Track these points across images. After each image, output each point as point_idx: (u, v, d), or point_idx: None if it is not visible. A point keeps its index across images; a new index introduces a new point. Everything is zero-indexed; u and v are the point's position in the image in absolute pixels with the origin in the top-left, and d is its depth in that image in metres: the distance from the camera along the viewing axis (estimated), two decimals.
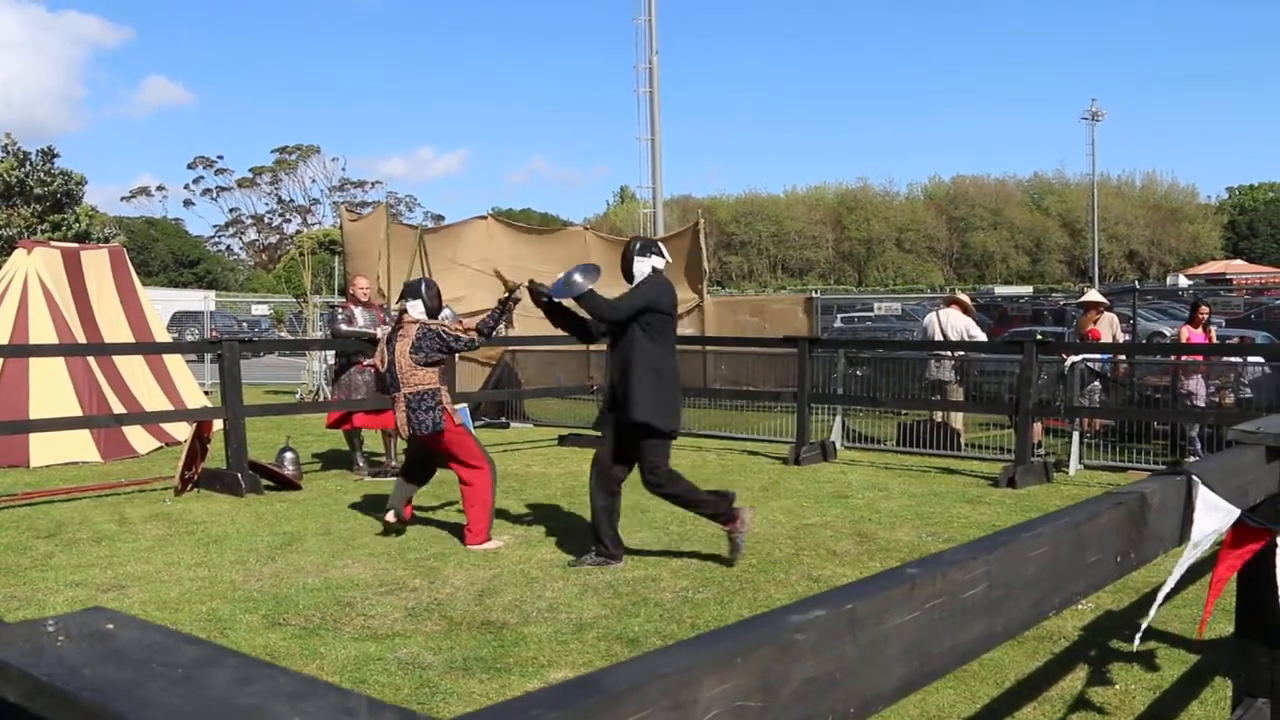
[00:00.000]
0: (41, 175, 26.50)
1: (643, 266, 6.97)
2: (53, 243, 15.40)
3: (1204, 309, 12.70)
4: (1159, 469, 10.19)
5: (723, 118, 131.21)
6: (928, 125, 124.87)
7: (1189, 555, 2.37)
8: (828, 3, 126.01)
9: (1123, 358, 12.21)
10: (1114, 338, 12.65)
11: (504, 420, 15.12)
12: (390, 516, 7.82)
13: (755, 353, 14.19)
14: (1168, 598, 2.67)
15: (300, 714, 0.81)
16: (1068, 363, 11.41)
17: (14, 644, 1.00)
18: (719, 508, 6.93)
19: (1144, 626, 2.56)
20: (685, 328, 15.96)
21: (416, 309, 7.74)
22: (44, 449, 11.24)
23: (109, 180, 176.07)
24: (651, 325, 6.85)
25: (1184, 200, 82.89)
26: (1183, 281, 37.81)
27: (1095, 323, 12.49)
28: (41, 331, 11.79)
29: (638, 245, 7.13)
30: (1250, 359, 12.04)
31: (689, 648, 1.06)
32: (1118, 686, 4.68)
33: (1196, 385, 11.51)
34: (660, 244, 7.24)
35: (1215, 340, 13.21)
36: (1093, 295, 13.58)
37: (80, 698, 0.86)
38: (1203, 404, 11.32)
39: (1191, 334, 12.49)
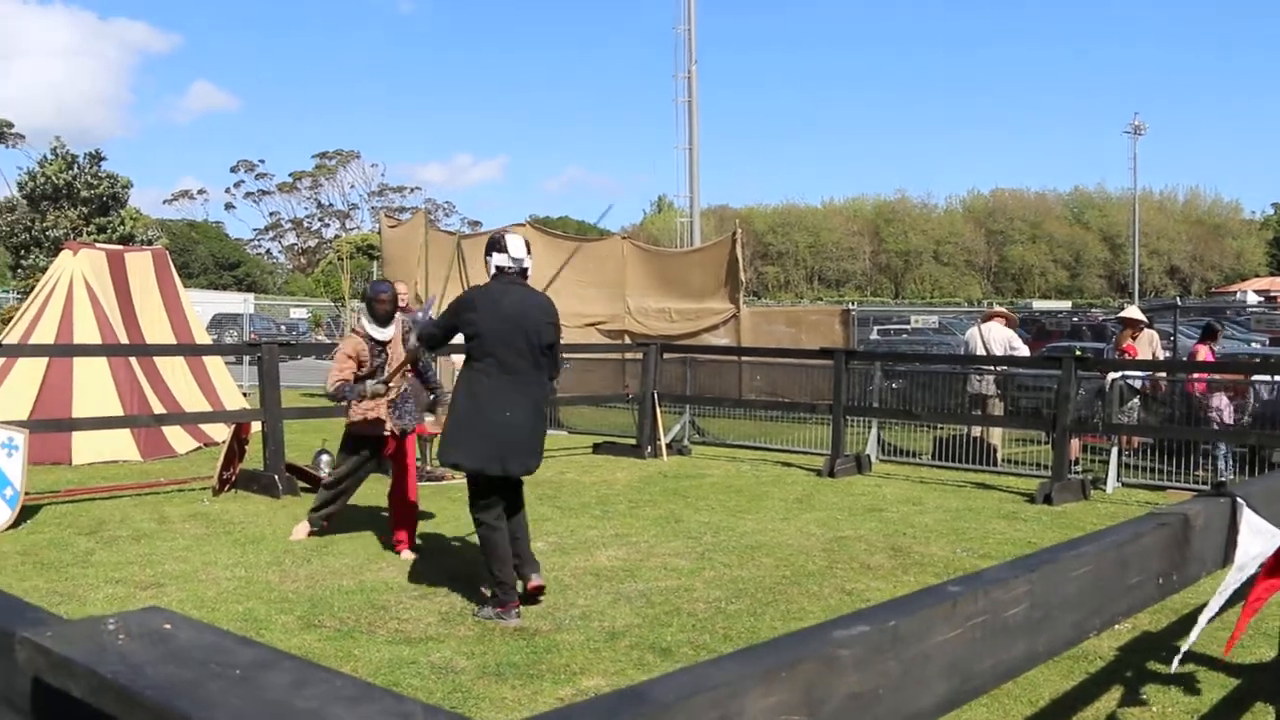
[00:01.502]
0: (88, 178, 26.88)
1: (489, 268, 6.14)
2: (98, 244, 15.61)
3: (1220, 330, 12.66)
4: (1199, 488, 10.09)
5: (761, 128, 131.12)
6: (967, 138, 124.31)
7: (1233, 579, 2.36)
8: (868, 15, 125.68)
9: (1162, 375, 12.09)
10: (1154, 355, 12.55)
11: None
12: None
13: (791, 364, 14.16)
14: (1209, 620, 2.64)
15: (358, 718, 0.83)
16: (1108, 379, 11.32)
17: (76, 642, 1.02)
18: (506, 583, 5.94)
19: (1184, 650, 2.54)
20: (721, 338, 15.96)
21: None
22: (86, 447, 11.40)
23: (153, 183, 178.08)
24: (468, 346, 6.07)
25: (1228, 215, 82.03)
26: (1251, 298, 36.44)
27: (1134, 339, 12.39)
28: (86, 332, 11.95)
29: (485, 244, 6.29)
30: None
31: (736, 660, 1.07)
32: (1154, 709, 4.64)
33: (1219, 401, 11.41)
34: (508, 236, 6.19)
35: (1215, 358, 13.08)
36: (1131, 312, 13.46)
37: (144, 696, 0.88)
38: (1229, 420, 11.23)
39: (1204, 351, 12.41)
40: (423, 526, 8.30)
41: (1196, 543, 2.07)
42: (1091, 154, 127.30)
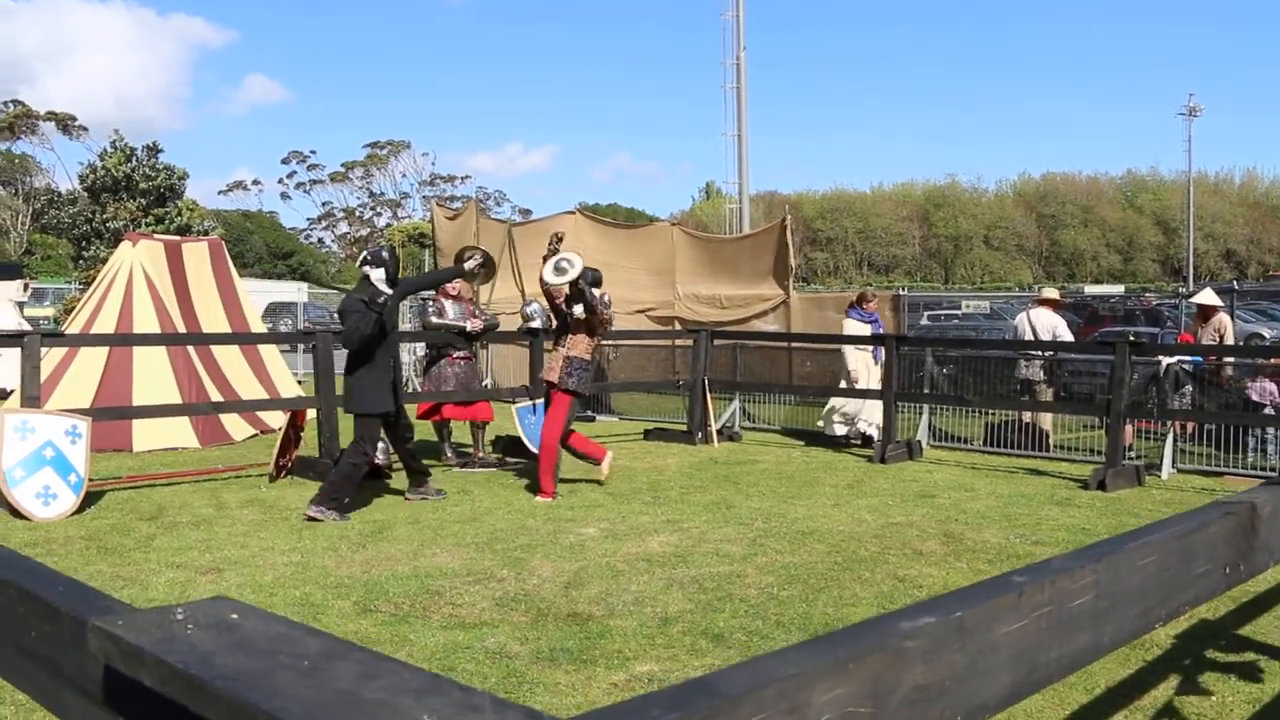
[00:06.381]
0: (146, 170, 27.25)
1: None
2: (156, 235, 15.83)
3: None
4: (1257, 474, 9.93)
5: (810, 113, 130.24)
6: (1018, 122, 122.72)
7: None
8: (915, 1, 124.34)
9: (1217, 359, 11.86)
10: (1220, 341, 12.30)
11: (590, 414, 15.19)
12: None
13: (841, 350, 14.08)
14: None
15: (427, 710, 0.83)
16: (1164, 364, 11.14)
17: (146, 631, 1.04)
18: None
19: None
20: (770, 324, 15.91)
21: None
22: (146, 434, 11.58)
23: (208, 174, 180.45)
24: None
25: None
26: None
27: (1203, 326, 12.23)
28: (145, 321, 12.13)
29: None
30: None
31: (803, 651, 1.06)
32: (1214, 698, 4.56)
33: (1265, 386, 11.19)
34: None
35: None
36: (1201, 297, 13.15)
37: (214, 685, 0.89)
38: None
39: None
40: (474, 513, 8.37)
41: (1264, 531, 2.03)
42: (1145, 137, 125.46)
